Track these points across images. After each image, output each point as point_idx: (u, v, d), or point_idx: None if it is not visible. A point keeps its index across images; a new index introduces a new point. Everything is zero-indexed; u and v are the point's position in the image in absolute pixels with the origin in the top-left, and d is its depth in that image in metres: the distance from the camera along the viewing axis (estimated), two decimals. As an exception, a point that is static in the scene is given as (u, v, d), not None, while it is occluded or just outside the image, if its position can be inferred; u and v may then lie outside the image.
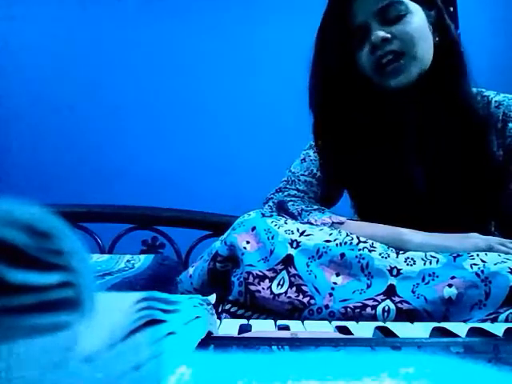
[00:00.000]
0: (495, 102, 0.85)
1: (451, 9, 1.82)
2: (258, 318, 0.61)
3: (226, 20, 1.94)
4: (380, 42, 0.77)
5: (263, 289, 0.62)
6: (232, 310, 0.64)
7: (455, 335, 0.42)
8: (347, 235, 0.66)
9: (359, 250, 0.64)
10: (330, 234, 0.67)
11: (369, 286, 0.61)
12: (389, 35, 0.77)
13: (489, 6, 1.96)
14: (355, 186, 0.92)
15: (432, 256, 0.62)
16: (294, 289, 0.62)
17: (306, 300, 0.61)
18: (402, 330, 0.45)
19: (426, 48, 0.80)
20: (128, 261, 1.01)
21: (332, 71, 0.84)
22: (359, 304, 0.59)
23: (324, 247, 0.64)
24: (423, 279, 0.59)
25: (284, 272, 0.63)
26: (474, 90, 0.86)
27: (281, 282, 0.62)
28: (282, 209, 0.87)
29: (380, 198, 0.86)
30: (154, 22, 1.93)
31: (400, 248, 0.67)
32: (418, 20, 0.79)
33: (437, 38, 0.83)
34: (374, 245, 0.65)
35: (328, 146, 0.90)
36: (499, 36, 1.91)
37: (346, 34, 0.81)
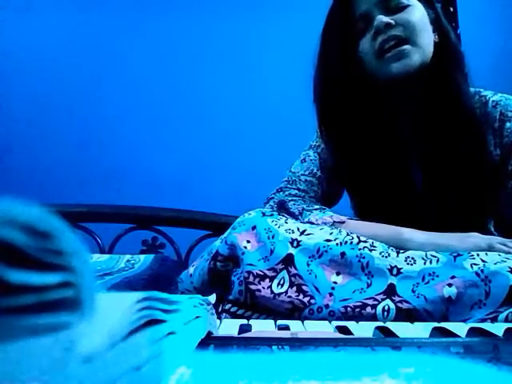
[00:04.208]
0: (492, 101, 0.85)
1: (451, 9, 1.83)
2: (258, 318, 0.61)
3: (228, 19, 1.93)
4: (383, 26, 0.77)
5: (263, 288, 0.62)
6: (232, 309, 0.64)
7: (455, 335, 0.42)
8: (347, 235, 0.67)
9: (359, 249, 0.64)
10: (331, 234, 0.67)
11: (369, 286, 0.61)
12: (392, 21, 0.77)
13: (489, 5, 1.96)
14: (354, 186, 0.92)
15: (432, 255, 0.62)
16: (295, 288, 0.62)
17: (306, 300, 0.61)
18: (402, 330, 0.45)
19: (427, 39, 0.80)
20: (128, 261, 1.01)
21: (334, 63, 0.84)
22: (359, 303, 0.59)
23: (324, 246, 0.64)
24: (423, 279, 0.59)
25: (284, 272, 0.63)
26: (472, 89, 0.86)
27: (281, 282, 0.62)
28: (283, 208, 0.87)
29: (379, 197, 0.86)
30: (155, 23, 1.93)
31: (400, 247, 0.67)
32: (419, 12, 0.81)
33: (436, 37, 0.83)
34: (375, 244, 0.65)
35: (329, 143, 0.91)
36: (499, 36, 1.91)
37: (349, 24, 0.82)
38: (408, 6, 0.80)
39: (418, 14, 0.80)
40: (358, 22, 0.81)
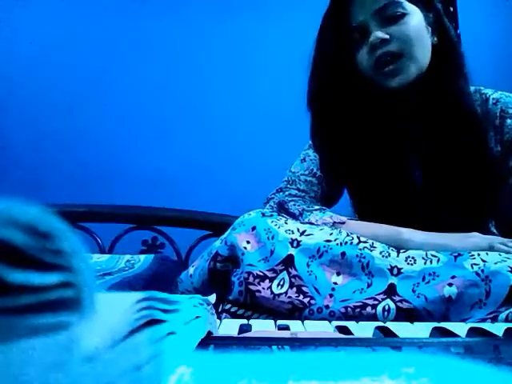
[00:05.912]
0: (493, 99, 0.86)
1: (451, 9, 1.82)
2: (258, 318, 0.61)
3: (228, 21, 1.93)
4: (379, 42, 0.78)
5: (263, 289, 0.62)
6: (232, 309, 0.64)
7: (455, 335, 0.42)
8: (347, 235, 0.67)
9: (360, 249, 0.64)
10: (331, 234, 0.67)
11: (369, 285, 0.61)
12: (387, 36, 0.78)
13: (489, 5, 1.96)
14: (354, 185, 0.92)
15: (433, 255, 0.62)
16: (295, 289, 0.62)
17: (306, 300, 0.61)
18: (402, 330, 0.45)
19: (423, 49, 0.81)
20: (128, 261, 1.01)
21: (330, 71, 0.85)
22: (359, 303, 0.59)
23: (324, 246, 0.64)
24: (423, 278, 0.59)
25: (284, 272, 0.63)
26: (473, 87, 0.87)
27: (281, 283, 0.62)
28: (283, 209, 0.87)
29: (379, 196, 0.87)
30: (154, 22, 1.93)
31: (400, 247, 0.67)
32: (415, 21, 0.80)
33: (435, 39, 0.83)
34: (375, 244, 0.65)
35: (326, 146, 0.90)
36: (499, 35, 1.91)
37: (344, 33, 0.82)
38: (404, 14, 0.79)
39: (413, 23, 0.80)
40: (353, 32, 0.82)
